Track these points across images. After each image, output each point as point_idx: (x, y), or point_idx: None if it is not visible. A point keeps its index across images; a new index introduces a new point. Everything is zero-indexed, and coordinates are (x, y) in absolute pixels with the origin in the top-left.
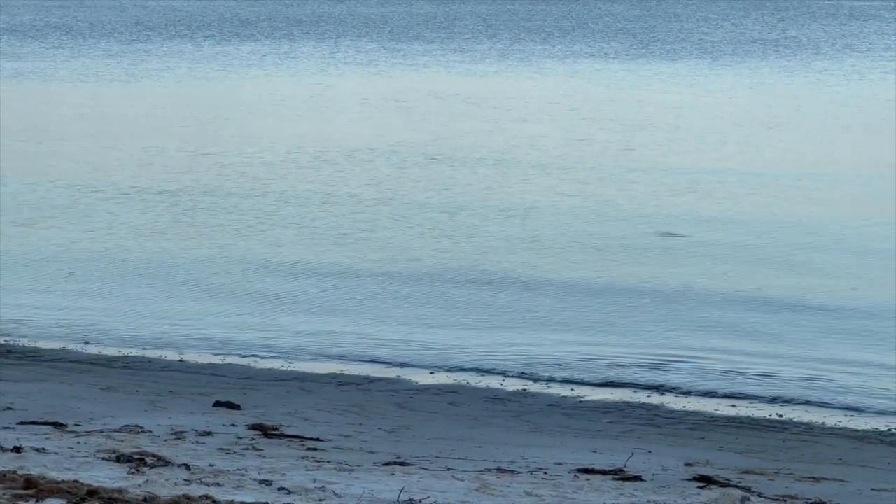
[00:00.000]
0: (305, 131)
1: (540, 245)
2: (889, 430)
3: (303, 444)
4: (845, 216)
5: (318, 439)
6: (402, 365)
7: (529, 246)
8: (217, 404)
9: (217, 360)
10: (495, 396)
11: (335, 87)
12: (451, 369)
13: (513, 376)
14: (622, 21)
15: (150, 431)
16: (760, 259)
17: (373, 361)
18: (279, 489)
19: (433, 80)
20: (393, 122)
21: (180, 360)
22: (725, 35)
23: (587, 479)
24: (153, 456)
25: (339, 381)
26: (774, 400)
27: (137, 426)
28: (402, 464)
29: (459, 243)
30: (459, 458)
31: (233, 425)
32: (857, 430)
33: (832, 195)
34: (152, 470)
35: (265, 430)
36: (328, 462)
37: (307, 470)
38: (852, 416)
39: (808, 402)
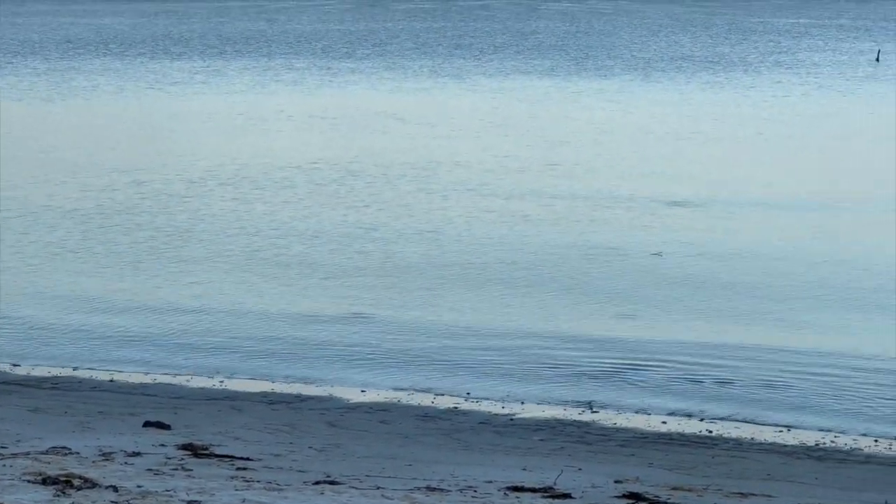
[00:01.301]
0: (229, 149)
1: (460, 260)
2: (817, 445)
3: (233, 464)
4: (765, 232)
5: (248, 459)
6: (333, 383)
7: (451, 261)
8: (147, 424)
9: (148, 379)
10: (426, 414)
11: (263, 105)
12: (382, 387)
13: (444, 394)
14: (554, 38)
15: (78, 453)
16: (687, 275)
17: (304, 380)
18: None
19: (362, 97)
20: (317, 139)
21: (110, 381)
22: (657, 51)
23: (517, 497)
24: (80, 478)
25: (270, 399)
26: (704, 416)
27: (65, 448)
28: (331, 483)
29: (379, 261)
30: (389, 477)
31: (162, 445)
32: (785, 446)
33: (751, 211)
34: (79, 492)
35: (195, 450)
36: (258, 482)
37: (236, 490)
38: (781, 431)
39: (737, 419)
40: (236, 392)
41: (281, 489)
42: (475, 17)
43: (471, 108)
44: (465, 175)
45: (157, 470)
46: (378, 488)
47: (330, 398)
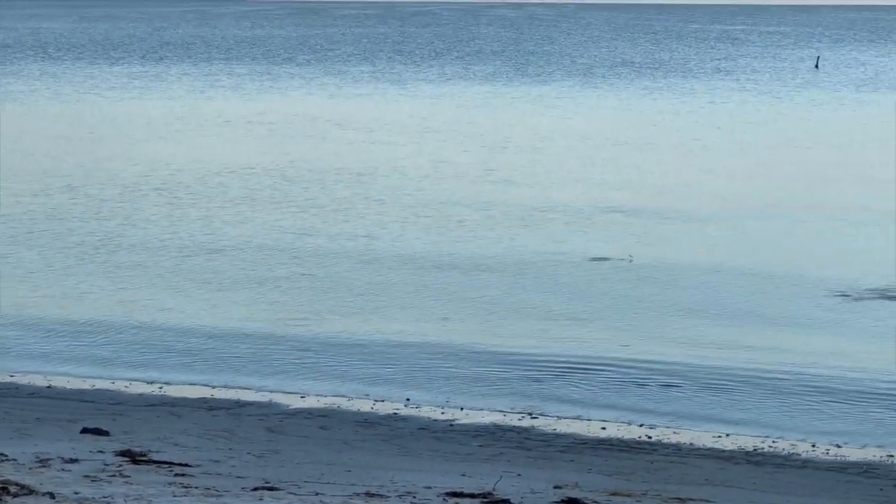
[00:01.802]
0: (165, 154)
1: (396, 265)
2: (756, 450)
3: (171, 470)
4: (701, 238)
5: (186, 465)
6: (273, 389)
7: (386, 267)
8: (85, 431)
9: (86, 385)
10: (366, 420)
11: (202, 110)
12: (322, 393)
13: (384, 400)
14: (494, 44)
15: (15, 460)
16: (626, 281)
17: (244, 386)
18: None
19: (301, 102)
20: (254, 144)
21: (48, 387)
22: (597, 57)
23: (456, 503)
24: (17, 485)
25: (209, 405)
26: (644, 422)
27: (2, 454)
28: (270, 489)
29: (314, 267)
30: (328, 483)
31: (100, 452)
32: (724, 451)
33: (687, 218)
34: (15, 499)
35: (133, 457)
36: (196, 488)
37: (174, 496)
38: (720, 437)
39: (677, 424)
40: (175, 398)
41: (219, 495)
42: (416, 23)
43: (410, 114)
44: (401, 180)
45: (95, 476)
46: (317, 494)
47: (270, 404)
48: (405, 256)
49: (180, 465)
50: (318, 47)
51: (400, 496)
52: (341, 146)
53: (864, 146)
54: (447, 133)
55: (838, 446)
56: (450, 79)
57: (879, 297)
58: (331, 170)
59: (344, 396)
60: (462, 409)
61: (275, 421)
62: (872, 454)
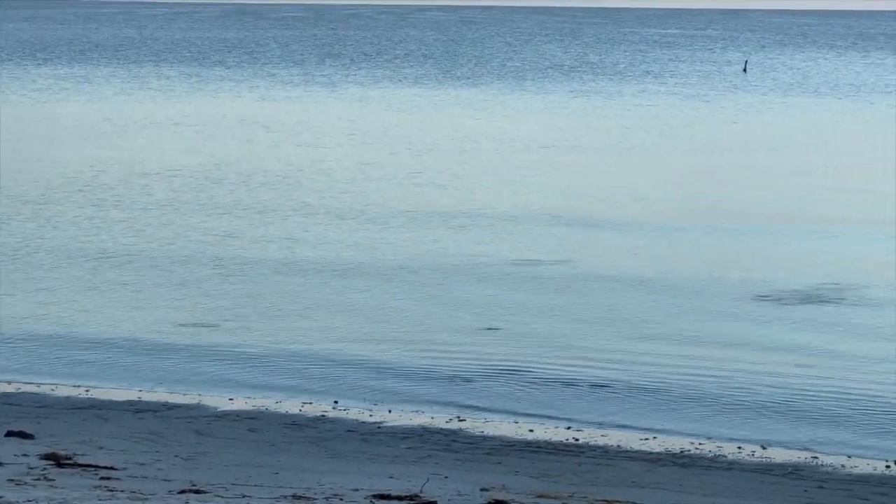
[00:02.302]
0: (90, 155)
1: (320, 267)
2: (682, 452)
3: (97, 473)
4: (620, 241)
5: (112, 468)
6: (201, 391)
7: (310, 269)
8: (9, 434)
9: (11, 388)
10: (294, 422)
11: (129, 112)
12: (250, 395)
13: (312, 402)
14: (424, 46)
15: None
16: (551, 283)
17: (171, 388)
18: None
19: (230, 105)
20: (180, 146)
21: None
22: (527, 60)
23: None
24: None
25: (136, 408)
26: (572, 424)
27: None
28: (197, 491)
29: (238, 268)
30: (256, 486)
31: (25, 455)
32: (651, 453)
33: (609, 221)
34: None
35: (58, 460)
36: (122, 491)
37: (100, 500)
38: (647, 439)
39: (604, 426)
40: (102, 401)
41: (145, 499)
42: (346, 26)
43: (339, 116)
44: (327, 183)
45: (19, 480)
46: (244, 497)
47: (198, 406)
48: (329, 259)
49: (106, 468)
50: (249, 50)
51: (327, 498)
52: (268, 148)
53: (789, 150)
54: (375, 135)
55: (764, 448)
56: (380, 81)
57: (801, 301)
58: (256, 172)
59: (272, 399)
60: (390, 411)
61: (203, 423)
62: (797, 456)
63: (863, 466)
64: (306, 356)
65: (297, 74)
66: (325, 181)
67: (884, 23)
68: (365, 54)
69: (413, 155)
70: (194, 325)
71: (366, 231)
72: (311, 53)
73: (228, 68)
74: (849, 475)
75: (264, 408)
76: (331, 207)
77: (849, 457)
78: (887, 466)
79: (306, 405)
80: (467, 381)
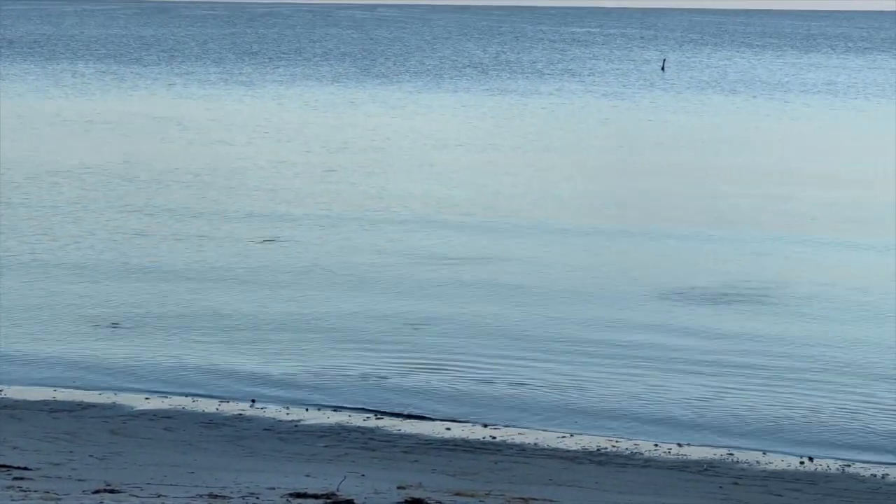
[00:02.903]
0: None
1: (231, 264)
2: (599, 450)
3: (9, 474)
4: (534, 237)
5: (25, 468)
6: (117, 390)
7: (220, 265)
8: None
9: None
10: (211, 421)
11: (41, 109)
12: (167, 394)
13: (229, 400)
14: (342, 45)
15: None
16: (467, 279)
17: (87, 388)
18: None
19: (145, 102)
20: (91, 144)
21: None
22: (445, 59)
23: None
24: None
25: (50, 407)
26: (490, 422)
27: None
28: (111, 491)
29: (147, 266)
30: (171, 485)
31: None
32: (568, 451)
33: (515, 217)
34: None
35: None
36: (35, 492)
37: (13, 500)
38: (564, 437)
39: (521, 424)
40: (15, 400)
41: (59, 498)
42: (264, 24)
43: (255, 115)
44: (239, 181)
45: None
46: (159, 496)
47: (113, 405)
48: (241, 257)
49: (19, 468)
50: (167, 48)
51: (243, 497)
52: (181, 147)
53: (703, 148)
54: (290, 134)
55: (680, 445)
56: (297, 80)
57: (715, 301)
58: (168, 170)
59: (189, 397)
60: (307, 409)
61: (118, 423)
62: (713, 453)
63: (777, 462)
64: (223, 355)
65: (215, 73)
66: (239, 179)
67: (798, 22)
68: (283, 53)
69: (327, 153)
70: (109, 324)
71: (277, 229)
72: (229, 52)
73: (145, 66)
74: (763, 471)
75: (181, 406)
76: (243, 206)
77: (764, 453)
78: (801, 462)
79: (223, 404)
80: (385, 378)
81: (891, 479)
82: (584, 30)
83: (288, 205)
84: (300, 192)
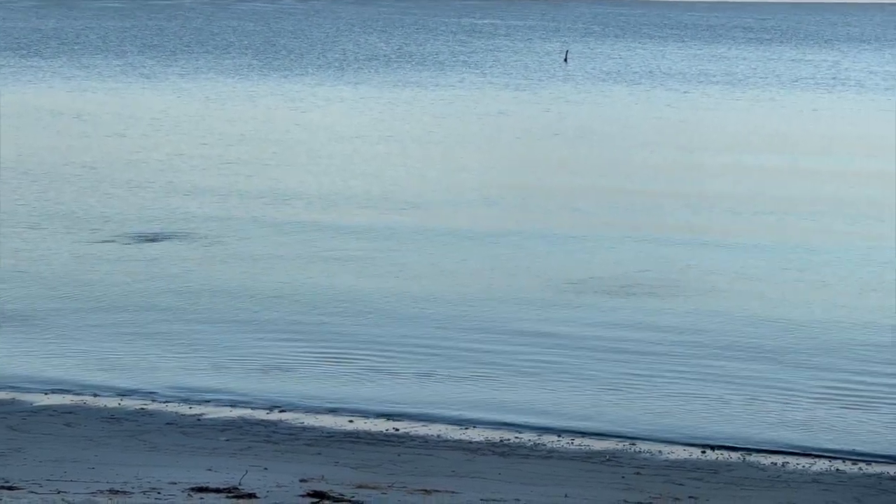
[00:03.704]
0: None
1: (127, 256)
2: (502, 441)
3: None
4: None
5: None
6: (15, 386)
7: (116, 259)
8: None
9: None
10: (113, 416)
11: None
12: (68, 389)
13: (131, 395)
14: (244, 37)
15: None
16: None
17: None
18: None
19: (42, 96)
20: None
21: None
22: (348, 51)
23: (201, 499)
24: None
25: None
26: (393, 414)
27: None
28: (10, 488)
29: (41, 261)
30: (72, 481)
31: None
32: (471, 443)
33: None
34: None
35: None
36: None
37: None
38: (467, 429)
39: (424, 416)
40: None
41: None
42: (166, 17)
43: (154, 108)
44: (135, 173)
45: None
46: (59, 492)
47: (12, 402)
48: (138, 247)
49: None
50: (67, 40)
51: (144, 492)
52: (77, 139)
53: (601, 139)
54: (187, 126)
55: (583, 436)
56: (198, 72)
57: (608, 294)
58: (62, 163)
59: (90, 392)
60: (210, 403)
61: (17, 419)
62: (616, 443)
63: (679, 452)
64: (125, 350)
65: (117, 65)
66: (134, 172)
67: (698, 14)
68: (184, 45)
69: (224, 146)
70: (6, 319)
71: (175, 221)
72: (130, 44)
73: (45, 59)
74: (665, 461)
75: (82, 402)
76: (136, 197)
77: (666, 443)
78: (703, 452)
79: (125, 399)
80: (288, 371)
81: (790, 467)
82: (486, 21)
83: (183, 196)
84: (196, 185)
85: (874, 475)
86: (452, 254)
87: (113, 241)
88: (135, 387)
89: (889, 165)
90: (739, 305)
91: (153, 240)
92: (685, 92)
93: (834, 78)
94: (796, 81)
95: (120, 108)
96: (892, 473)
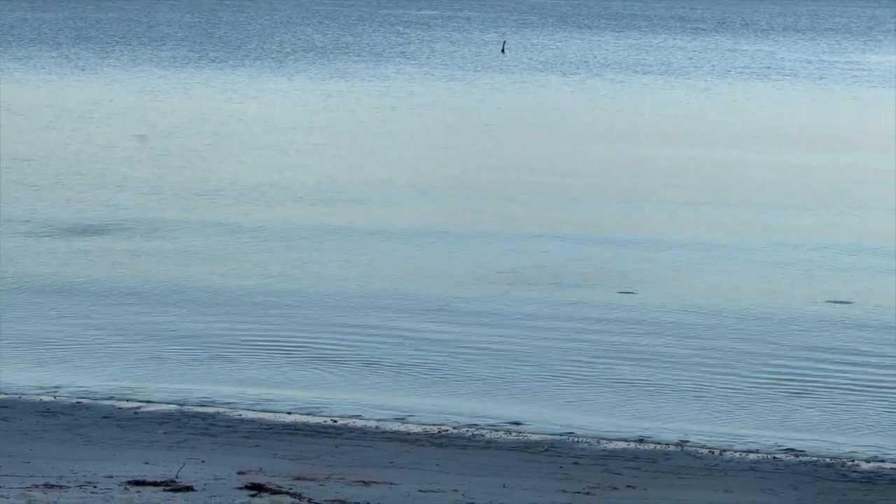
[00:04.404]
0: None
1: (46, 249)
2: (440, 432)
3: None
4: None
5: None
6: None
7: (47, 248)
8: None
9: None
10: (48, 410)
11: None
12: (1, 384)
13: (67, 389)
14: (181, 29)
15: None
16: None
17: None
18: None
19: None
20: None
21: None
22: (284, 43)
23: (137, 492)
24: None
25: None
26: (331, 404)
27: None
28: None
29: None
30: (6, 475)
31: None
32: (409, 434)
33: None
34: None
35: None
36: None
37: None
38: (404, 419)
39: (361, 407)
40: None
41: None
42: (102, 8)
43: (88, 100)
44: (65, 165)
45: None
46: None
47: None
48: (64, 239)
49: None
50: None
51: (80, 486)
52: (7, 132)
53: (534, 130)
54: (120, 118)
55: (521, 426)
56: (134, 64)
57: (543, 286)
58: None
59: (25, 386)
60: (147, 396)
61: None
62: (554, 434)
63: (617, 442)
64: (59, 343)
65: (51, 57)
66: (65, 164)
67: (635, 4)
68: (120, 37)
69: (158, 137)
70: None
71: (105, 214)
72: (66, 36)
73: None
74: (603, 451)
75: (17, 396)
76: (66, 190)
77: (603, 433)
78: (640, 441)
79: (60, 392)
80: (226, 363)
81: (727, 456)
82: (423, 12)
83: (114, 189)
84: (126, 177)
85: (810, 463)
86: (386, 246)
87: (42, 234)
88: (70, 380)
89: (822, 154)
90: (677, 296)
91: (83, 232)
92: (620, 82)
93: (768, 67)
94: (730, 71)
95: (52, 100)
96: (827, 461)
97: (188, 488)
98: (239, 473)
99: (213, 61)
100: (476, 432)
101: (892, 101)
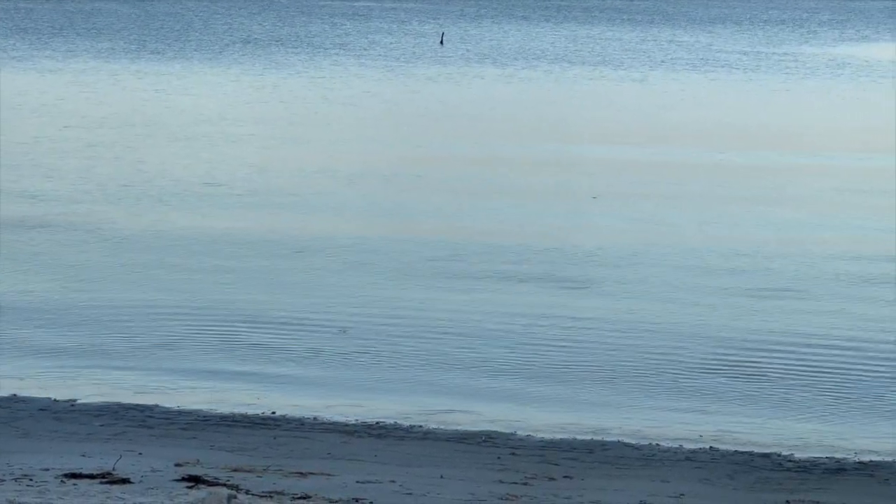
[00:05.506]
0: None
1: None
2: (378, 423)
3: None
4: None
5: None
6: None
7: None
8: None
9: None
10: None
11: None
12: None
13: (3, 379)
14: (118, 20)
15: None
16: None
17: None
18: None
19: None
20: None
21: None
22: (220, 34)
23: (74, 485)
24: None
25: None
26: (270, 395)
27: None
28: None
29: None
30: None
31: None
32: (347, 425)
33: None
34: None
35: None
36: None
37: None
38: (343, 410)
39: (300, 398)
40: None
41: None
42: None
43: (17, 92)
44: None
45: None
46: None
47: None
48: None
49: None
50: None
51: (16, 479)
52: None
53: (459, 120)
54: (50, 110)
55: (458, 415)
56: (72, 55)
57: (485, 277)
58: None
59: None
60: (84, 387)
61: None
62: (492, 425)
63: (555, 433)
64: (10, 337)
65: None
66: None
67: None
68: (56, 29)
69: (87, 129)
70: None
71: (39, 207)
72: (2, 27)
73: None
74: (541, 441)
75: None
76: None
77: (541, 425)
78: (577, 432)
79: None
80: (165, 352)
81: (664, 446)
82: (362, 3)
83: (42, 181)
84: (59, 169)
85: (746, 453)
86: (316, 238)
87: None
88: (4, 372)
89: (756, 149)
90: (612, 288)
91: (15, 224)
92: (555, 73)
93: (703, 59)
94: (664, 62)
95: None
96: (763, 451)
97: (125, 480)
98: (176, 465)
99: (150, 52)
100: (413, 423)
101: (825, 91)
